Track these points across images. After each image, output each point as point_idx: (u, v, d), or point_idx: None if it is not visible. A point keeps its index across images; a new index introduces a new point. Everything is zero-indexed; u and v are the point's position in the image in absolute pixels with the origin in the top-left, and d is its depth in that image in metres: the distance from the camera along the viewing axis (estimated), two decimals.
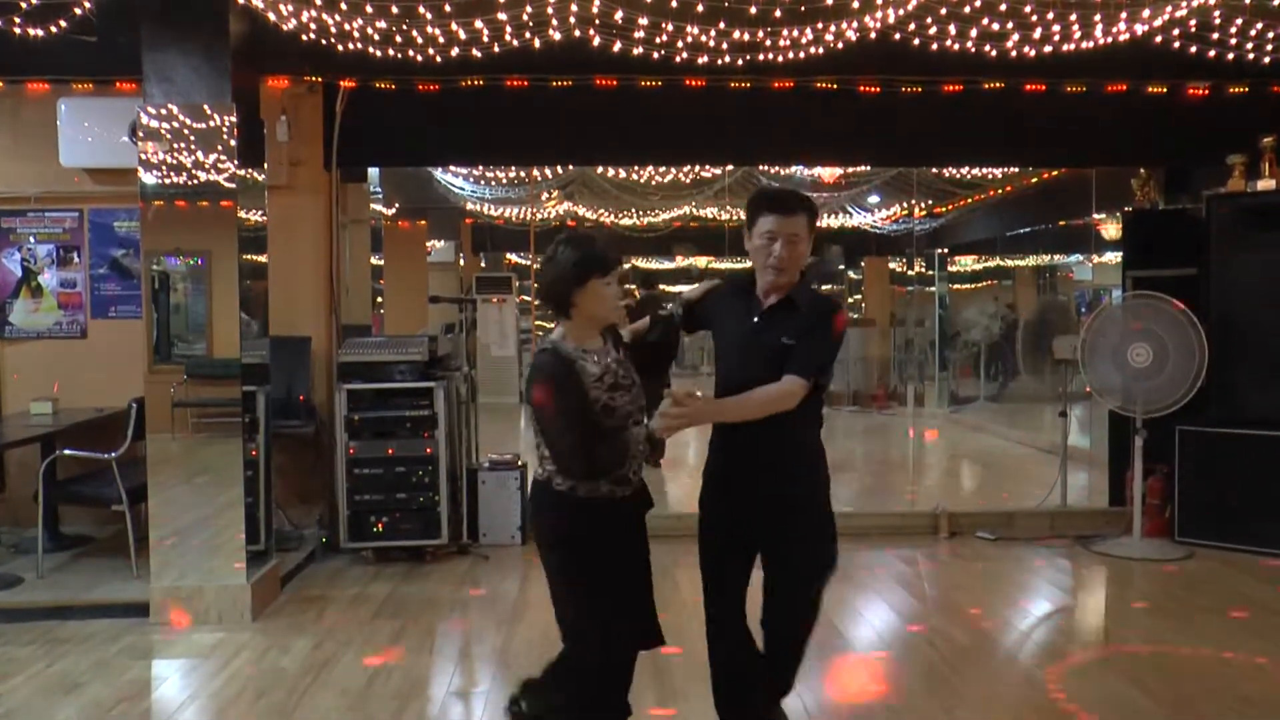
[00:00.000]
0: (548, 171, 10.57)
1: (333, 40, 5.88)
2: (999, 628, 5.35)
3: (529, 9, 5.39)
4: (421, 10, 5.44)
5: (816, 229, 3.41)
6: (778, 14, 5.55)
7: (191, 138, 5.33)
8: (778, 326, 3.29)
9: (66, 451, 6.04)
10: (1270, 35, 5.94)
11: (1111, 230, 9.53)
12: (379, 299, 8.95)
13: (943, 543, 7.00)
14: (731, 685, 3.51)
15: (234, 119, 5.36)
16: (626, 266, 11.93)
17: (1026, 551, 6.76)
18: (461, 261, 14.88)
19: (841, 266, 17.60)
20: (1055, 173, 9.87)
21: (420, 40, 5.81)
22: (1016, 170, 10.07)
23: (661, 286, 13.27)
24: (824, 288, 17.70)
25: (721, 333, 3.52)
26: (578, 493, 3.13)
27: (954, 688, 4.40)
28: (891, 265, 15.95)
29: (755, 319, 3.36)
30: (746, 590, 3.47)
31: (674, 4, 5.50)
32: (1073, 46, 5.91)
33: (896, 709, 4.18)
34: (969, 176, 10.56)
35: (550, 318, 3.32)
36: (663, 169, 10.10)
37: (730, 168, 9.23)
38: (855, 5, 5.48)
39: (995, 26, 5.69)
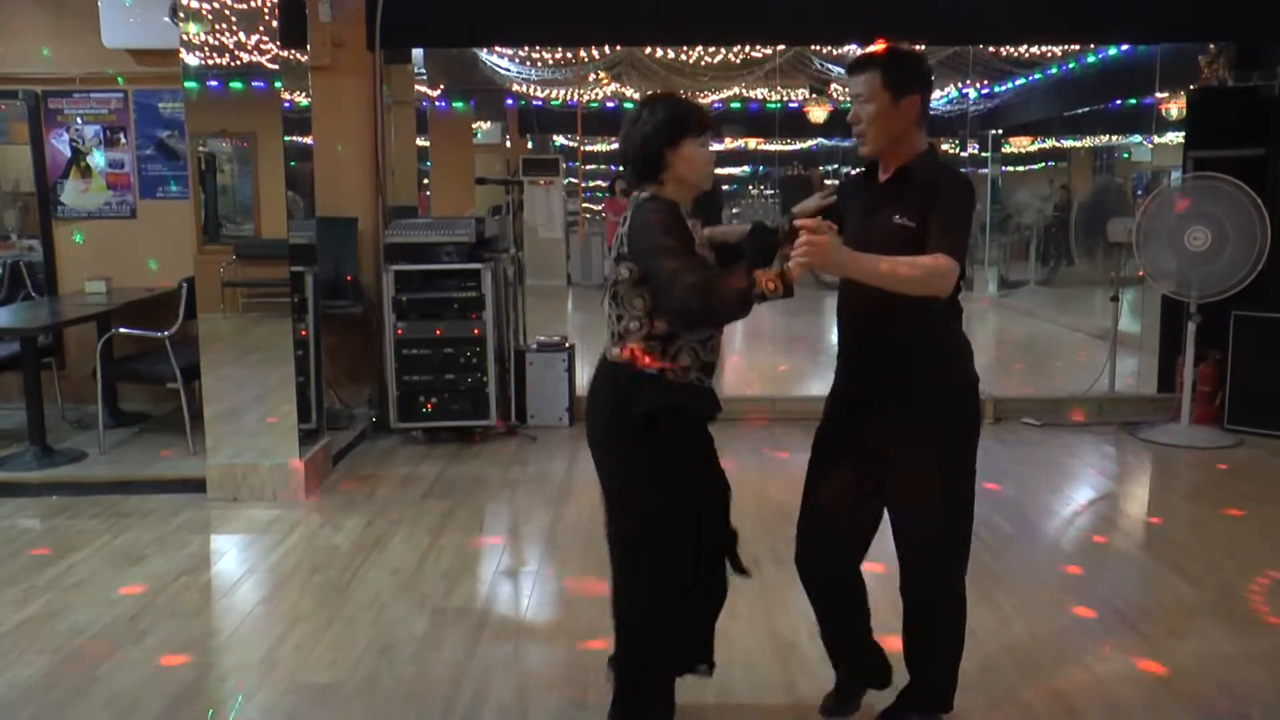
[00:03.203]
0: (595, 52, 10.39)
1: None
2: (1042, 513, 5.36)
3: None
4: None
5: (907, 88, 2.82)
6: None
7: (233, 18, 5.27)
8: (891, 204, 2.83)
9: (122, 330, 6.16)
10: None
11: (1175, 110, 9.22)
12: (425, 181, 8.91)
13: (988, 428, 6.98)
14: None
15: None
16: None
17: (1072, 438, 6.74)
18: (508, 143, 14.75)
19: None
20: (1116, 50, 9.53)
21: None
22: (1076, 48, 9.73)
23: None
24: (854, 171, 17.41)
25: (845, 222, 2.97)
26: (667, 376, 2.82)
27: (995, 573, 4.42)
28: (944, 147, 15.58)
29: (869, 197, 2.95)
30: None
31: None
32: None
33: None
34: (1026, 55, 10.24)
35: (627, 189, 3.02)
36: (712, 49, 9.89)
37: (781, 47, 9.00)
38: None
39: None
